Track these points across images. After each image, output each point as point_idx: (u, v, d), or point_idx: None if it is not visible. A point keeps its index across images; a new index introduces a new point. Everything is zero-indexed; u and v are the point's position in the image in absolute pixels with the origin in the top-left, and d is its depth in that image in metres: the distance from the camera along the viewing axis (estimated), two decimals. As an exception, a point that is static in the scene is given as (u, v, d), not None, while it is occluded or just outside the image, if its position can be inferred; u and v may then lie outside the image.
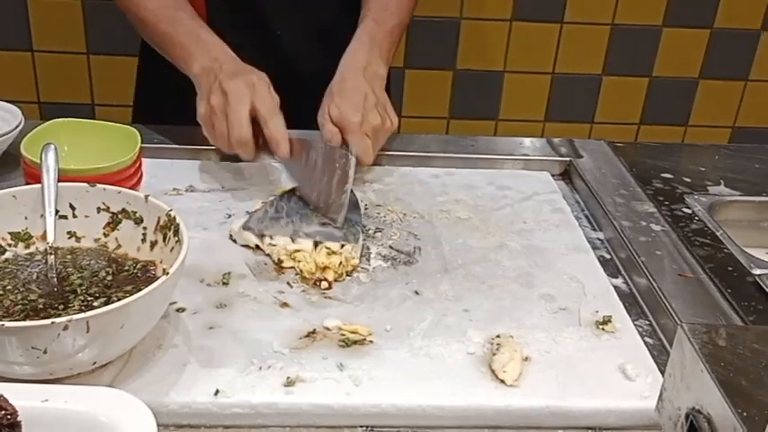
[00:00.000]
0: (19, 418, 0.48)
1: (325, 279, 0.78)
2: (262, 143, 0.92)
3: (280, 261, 0.80)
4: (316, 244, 0.82)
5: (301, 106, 0.95)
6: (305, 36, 1.12)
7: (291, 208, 0.87)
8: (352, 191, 0.90)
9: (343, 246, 0.82)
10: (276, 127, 0.90)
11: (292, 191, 0.91)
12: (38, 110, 1.97)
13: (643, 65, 2.04)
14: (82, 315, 0.56)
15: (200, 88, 0.94)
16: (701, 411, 0.51)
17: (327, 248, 0.80)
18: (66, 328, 0.56)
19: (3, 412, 0.47)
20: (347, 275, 0.80)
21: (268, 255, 0.82)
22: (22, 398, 0.49)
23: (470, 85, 2.01)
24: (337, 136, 0.94)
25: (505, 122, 2.07)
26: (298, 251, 0.80)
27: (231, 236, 0.85)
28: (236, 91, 0.90)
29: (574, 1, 1.95)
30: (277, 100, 0.92)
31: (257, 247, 0.83)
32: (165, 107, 1.19)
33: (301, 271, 0.79)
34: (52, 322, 0.56)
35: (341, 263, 0.79)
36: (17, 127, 0.95)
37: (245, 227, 0.84)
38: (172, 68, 1.02)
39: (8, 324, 0.56)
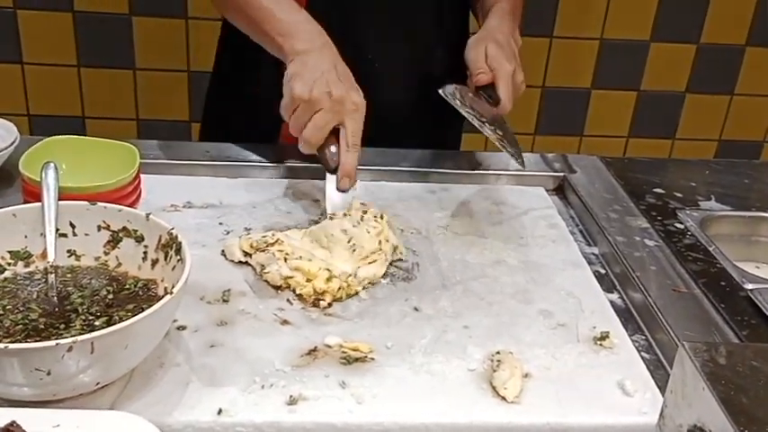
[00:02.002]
0: (29, 443, 0.48)
1: (324, 299, 0.78)
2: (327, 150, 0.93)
3: (277, 287, 0.80)
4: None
5: (380, 132, 0.96)
6: (397, 65, 1.13)
7: (474, 103, 0.99)
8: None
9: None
10: (351, 162, 0.91)
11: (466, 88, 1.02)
12: (27, 123, 1.96)
13: (631, 79, 2.07)
14: (86, 336, 0.56)
15: (303, 66, 0.91)
16: (703, 429, 0.51)
17: (328, 270, 0.80)
18: (70, 349, 0.56)
19: (16, 438, 0.47)
20: (347, 297, 0.80)
21: (265, 280, 0.81)
22: (34, 423, 0.49)
23: (461, 98, 2.03)
24: (488, 76, 1.00)
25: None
26: (291, 277, 0.79)
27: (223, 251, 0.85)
28: (338, 104, 0.89)
29: (563, 16, 1.98)
30: (361, 132, 0.92)
31: (248, 263, 0.83)
32: (233, 123, 1.20)
33: (300, 295, 0.79)
34: (56, 344, 0.55)
35: (340, 287, 0.79)
36: (13, 144, 0.95)
37: (441, 92, 0.99)
38: (243, 84, 1.03)
39: (12, 346, 0.55)
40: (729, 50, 2.07)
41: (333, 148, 0.92)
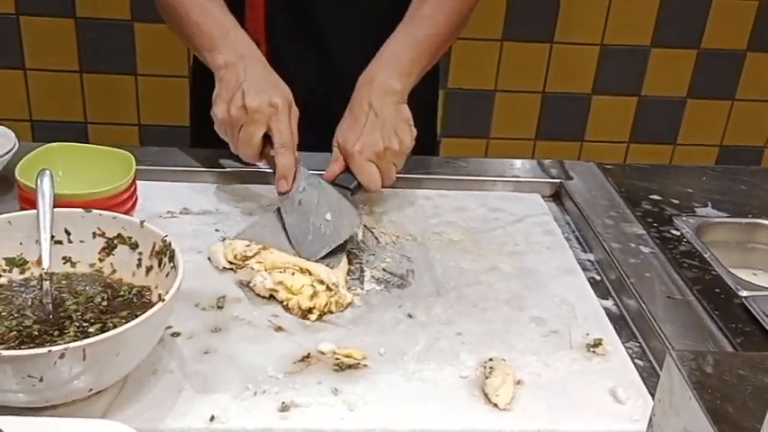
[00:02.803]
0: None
1: (311, 314, 0.78)
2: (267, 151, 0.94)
3: (266, 297, 0.80)
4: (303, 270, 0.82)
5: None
6: (362, 58, 1.09)
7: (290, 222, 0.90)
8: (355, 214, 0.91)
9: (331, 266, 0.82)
10: (284, 163, 0.91)
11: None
12: (30, 128, 1.98)
13: (632, 84, 2.07)
14: (78, 343, 0.57)
15: (221, 83, 0.94)
16: (690, 437, 0.52)
17: (313, 286, 0.79)
18: (62, 356, 0.56)
19: (3, 446, 0.48)
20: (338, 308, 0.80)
21: (251, 287, 0.81)
22: (21, 431, 0.50)
23: (462, 104, 2.03)
24: (336, 165, 0.95)
25: (496, 141, 2.10)
26: (276, 291, 0.79)
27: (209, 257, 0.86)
28: (257, 113, 0.90)
29: (564, 21, 1.98)
30: (294, 129, 0.93)
31: (233, 270, 0.84)
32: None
33: (288, 307, 0.79)
34: (49, 350, 0.56)
35: (326, 303, 0.78)
36: (11, 150, 0.95)
37: (240, 236, 0.87)
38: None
39: (4, 353, 0.56)
40: (730, 56, 2.07)
41: (271, 152, 0.93)
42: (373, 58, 1.00)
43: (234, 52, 0.95)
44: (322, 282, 0.80)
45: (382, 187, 0.95)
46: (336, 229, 0.88)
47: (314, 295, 0.78)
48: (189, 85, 1.93)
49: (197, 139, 1.26)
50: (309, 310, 0.77)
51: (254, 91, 0.91)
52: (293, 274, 0.81)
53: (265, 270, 0.81)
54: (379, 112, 0.94)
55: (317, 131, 1.01)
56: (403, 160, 0.96)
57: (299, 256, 0.85)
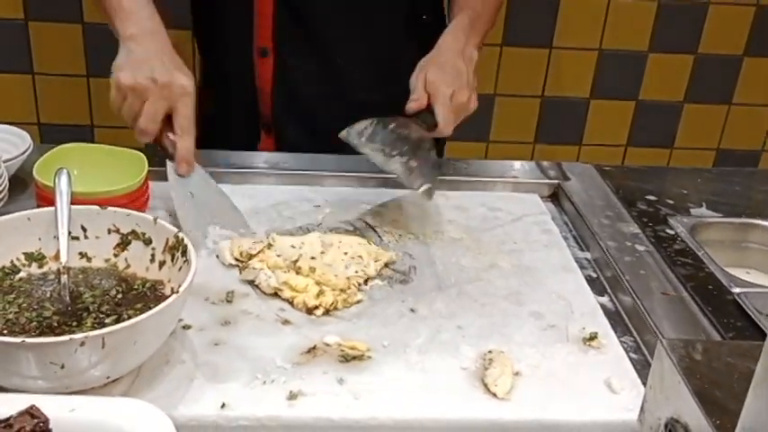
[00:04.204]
0: (50, 426, 0.51)
1: (317, 311, 0.80)
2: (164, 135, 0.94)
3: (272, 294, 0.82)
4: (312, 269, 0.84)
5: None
6: (364, 65, 1.15)
7: (384, 136, 0.94)
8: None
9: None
10: (187, 147, 0.92)
11: (383, 121, 0.96)
12: (38, 131, 2.00)
13: (629, 89, 2.10)
14: (98, 332, 0.60)
15: (126, 52, 0.94)
16: (679, 421, 0.54)
17: (318, 284, 0.81)
18: (83, 344, 0.59)
19: (36, 420, 0.51)
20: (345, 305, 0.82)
21: (256, 285, 0.83)
22: (52, 408, 0.53)
23: (462, 108, 2.06)
24: (424, 100, 0.97)
25: (496, 144, 2.12)
26: (281, 289, 0.81)
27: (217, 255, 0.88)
28: (166, 89, 0.90)
29: (562, 27, 2.01)
30: (193, 115, 0.93)
31: (239, 267, 0.86)
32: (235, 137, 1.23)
33: (293, 304, 0.81)
34: (70, 338, 0.59)
35: (333, 302, 0.80)
36: (26, 151, 0.98)
37: (347, 132, 0.93)
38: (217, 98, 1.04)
39: (28, 340, 0.59)
40: (727, 60, 2.10)
41: (171, 135, 0.93)
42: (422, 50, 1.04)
43: (142, 26, 0.96)
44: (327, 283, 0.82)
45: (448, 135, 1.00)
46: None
47: (320, 293, 0.81)
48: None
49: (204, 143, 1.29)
50: (315, 307, 0.80)
51: (163, 68, 0.91)
52: (298, 273, 0.83)
53: (268, 268, 0.83)
54: (463, 71, 1.00)
55: (321, 137, 1.03)
56: (465, 116, 1.02)
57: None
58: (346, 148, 0.96)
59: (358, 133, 0.93)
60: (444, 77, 0.99)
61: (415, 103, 0.98)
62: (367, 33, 1.13)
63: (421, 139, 0.98)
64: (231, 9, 1.12)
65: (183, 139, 0.92)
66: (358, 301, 0.83)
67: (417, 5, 1.17)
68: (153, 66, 0.91)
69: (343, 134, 0.94)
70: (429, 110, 0.98)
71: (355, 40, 1.14)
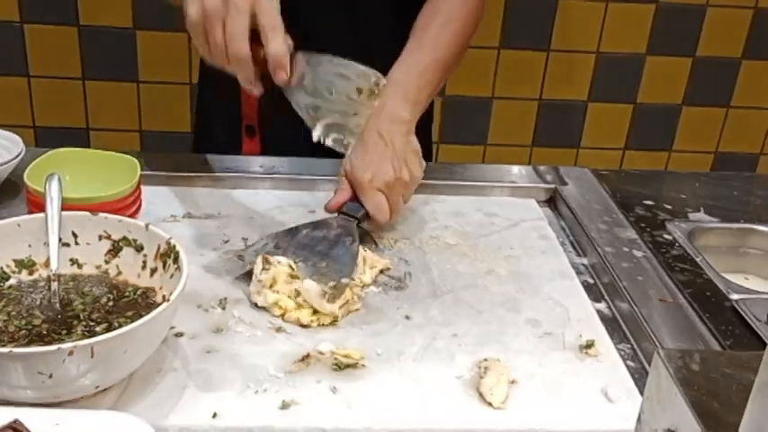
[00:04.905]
0: (31, 442, 0.51)
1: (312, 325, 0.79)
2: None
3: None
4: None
5: None
6: (353, 59, 1.13)
7: (290, 246, 0.86)
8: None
9: (334, 285, 0.80)
10: (278, 46, 0.80)
11: (294, 229, 0.90)
12: (33, 134, 2.00)
13: (627, 92, 2.10)
14: (87, 341, 0.59)
15: None
16: (676, 432, 0.54)
17: (312, 307, 0.79)
18: (71, 353, 0.58)
19: (18, 435, 0.50)
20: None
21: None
22: (36, 422, 0.52)
23: (459, 111, 2.06)
24: (345, 194, 0.93)
25: (493, 147, 2.12)
26: (271, 307, 0.80)
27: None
28: (239, 1, 0.79)
29: (560, 29, 2.01)
30: (277, 8, 0.83)
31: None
32: (220, 137, 1.21)
33: (285, 318, 0.80)
34: (58, 348, 0.58)
35: (324, 316, 0.79)
36: (18, 155, 0.98)
37: (239, 256, 0.86)
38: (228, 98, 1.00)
39: (15, 350, 0.58)
40: (726, 63, 2.10)
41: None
42: None
43: None
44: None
45: (389, 220, 0.94)
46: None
47: (315, 313, 0.79)
48: (191, 94, 1.97)
49: (199, 146, 1.28)
50: (308, 323, 0.79)
51: None
52: (290, 296, 0.80)
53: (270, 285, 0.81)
54: (389, 142, 0.92)
55: (308, 140, 1.02)
56: (411, 192, 0.96)
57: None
58: (337, 153, 0.95)
59: (254, 252, 0.85)
60: (359, 161, 0.91)
61: (332, 202, 0.93)
62: (363, 45, 1.11)
63: (341, 234, 0.89)
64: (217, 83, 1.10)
65: (273, 43, 0.80)
66: (356, 309, 0.82)
67: (411, 6, 1.15)
68: None
69: (240, 254, 0.87)
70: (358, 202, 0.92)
71: (345, 40, 1.11)
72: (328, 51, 1.02)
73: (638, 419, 0.59)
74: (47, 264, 0.76)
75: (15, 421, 0.51)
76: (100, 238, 0.77)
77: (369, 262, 0.87)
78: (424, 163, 0.97)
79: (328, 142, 0.80)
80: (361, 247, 0.88)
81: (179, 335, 0.75)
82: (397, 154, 0.93)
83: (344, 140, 0.80)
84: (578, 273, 0.94)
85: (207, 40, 0.81)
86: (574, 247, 1.01)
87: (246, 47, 0.80)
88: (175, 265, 0.72)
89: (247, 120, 1.17)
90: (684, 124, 2.16)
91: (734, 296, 0.87)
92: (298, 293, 0.80)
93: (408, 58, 1.00)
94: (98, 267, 0.77)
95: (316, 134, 0.82)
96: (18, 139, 1.00)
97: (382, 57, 1.12)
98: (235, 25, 0.79)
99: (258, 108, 1.13)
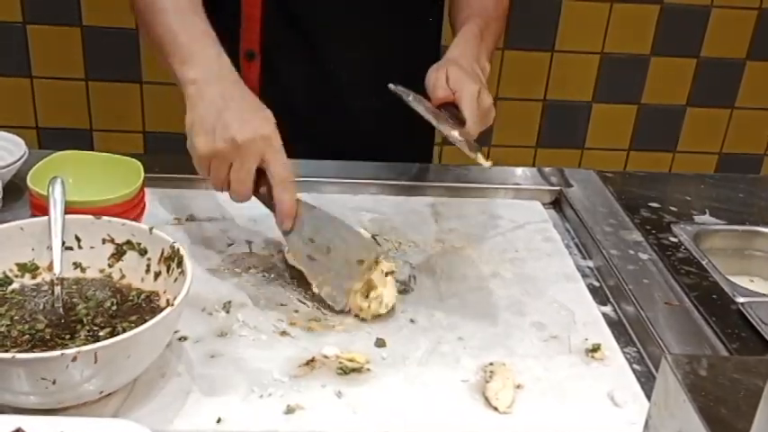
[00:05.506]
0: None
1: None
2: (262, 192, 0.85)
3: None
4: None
5: (347, 139, 0.93)
6: (357, 72, 1.11)
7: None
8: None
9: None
10: (288, 199, 0.82)
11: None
12: (36, 135, 2.00)
13: (632, 92, 2.09)
14: (90, 346, 0.59)
15: (191, 105, 0.83)
16: (685, 439, 0.53)
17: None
18: (74, 359, 0.58)
19: (22, 444, 0.49)
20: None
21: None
22: (39, 429, 0.51)
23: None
24: (448, 92, 0.89)
25: (497, 148, 2.11)
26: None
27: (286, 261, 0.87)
28: (249, 147, 0.79)
29: (565, 30, 2.00)
30: (287, 162, 0.83)
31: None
32: None
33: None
34: (62, 354, 0.58)
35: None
36: (21, 158, 0.97)
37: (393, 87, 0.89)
38: None
39: (19, 356, 0.58)
40: (730, 64, 2.09)
41: (265, 189, 0.84)
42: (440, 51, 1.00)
43: (209, 68, 0.85)
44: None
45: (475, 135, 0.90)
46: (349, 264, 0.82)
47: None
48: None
49: None
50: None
51: (238, 121, 0.80)
52: None
53: None
54: (482, 76, 0.95)
55: (310, 143, 1.01)
56: (486, 125, 0.95)
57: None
58: (338, 156, 0.94)
59: (404, 92, 0.89)
60: (468, 76, 0.91)
61: (443, 91, 0.89)
62: (358, 38, 1.10)
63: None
64: (218, 10, 1.10)
65: (281, 192, 0.82)
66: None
67: (418, 7, 1.14)
68: (227, 121, 0.80)
69: (391, 86, 0.90)
70: (453, 107, 0.90)
71: (347, 45, 1.11)
72: (339, 64, 1.02)
73: (646, 425, 0.59)
74: (50, 267, 0.75)
75: (18, 430, 0.51)
76: (103, 241, 0.77)
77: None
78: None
79: (322, 294, 0.82)
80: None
81: (183, 339, 0.75)
82: (485, 86, 0.94)
83: (337, 298, 0.82)
84: (584, 275, 0.94)
85: (209, 173, 0.82)
86: (579, 250, 1.00)
87: (250, 191, 0.82)
88: (179, 269, 0.72)
89: (247, 44, 1.11)
90: (688, 125, 2.15)
91: (740, 299, 0.87)
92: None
93: (483, 19, 1.03)
94: (101, 271, 0.77)
95: (314, 285, 0.84)
96: (21, 141, 1.00)
97: (385, 58, 1.12)
98: (243, 171, 0.81)
99: (261, 33, 1.08)
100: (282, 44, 1.11)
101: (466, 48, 0.98)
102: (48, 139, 1.99)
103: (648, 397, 0.72)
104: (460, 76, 0.91)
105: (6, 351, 0.64)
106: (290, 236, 0.84)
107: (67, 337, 0.68)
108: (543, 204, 1.10)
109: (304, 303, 0.82)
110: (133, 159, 0.93)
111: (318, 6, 1.10)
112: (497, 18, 1.07)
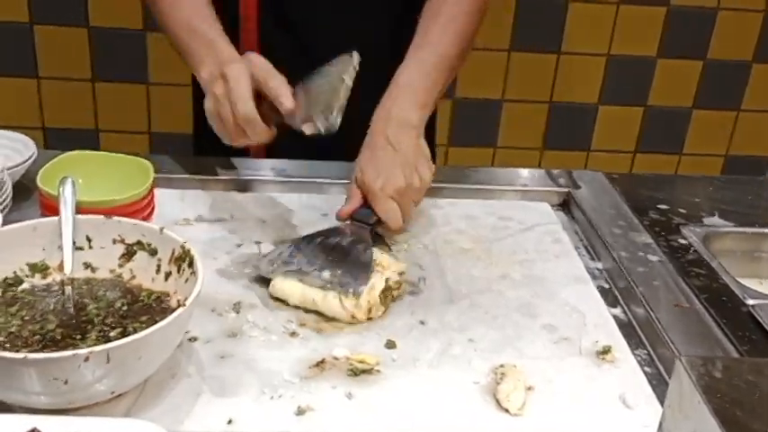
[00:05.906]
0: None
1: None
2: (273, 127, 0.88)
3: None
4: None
5: (349, 140, 0.94)
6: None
7: (304, 255, 0.85)
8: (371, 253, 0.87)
9: (352, 293, 0.80)
10: (278, 84, 0.85)
11: (308, 237, 0.89)
12: (42, 136, 2.00)
13: (638, 95, 2.09)
14: (103, 346, 0.58)
15: (208, 91, 0.91)
16: (699, 441, 0.53)
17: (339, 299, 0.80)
18: (87, 359, 0.58)
19: (38, 444, 0.49)
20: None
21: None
22: (54, 429, 0.51)
23: (469, 113, 2.05)
24: (355, 201, 0.92)
25: (503, 150, 2.11)
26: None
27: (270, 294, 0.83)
28: (234, 70, 0.86)
29: (571, 32, 2.00)
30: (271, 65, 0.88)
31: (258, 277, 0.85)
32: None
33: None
34: (74, 354, 0.57)
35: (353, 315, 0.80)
36: (30, 158, 0.97)
37: (255, 266, 0.86)
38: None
39: (31, 356, 0.57)
40: (736, 66, 2.09)
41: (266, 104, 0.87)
42: (385, 88, 0.98)
43: (215, 62, 0.91)
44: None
45: (401, 226, 0.93)
46: None
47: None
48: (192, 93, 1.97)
49: (200, 147, 1.28)
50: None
51: (227, 64, 0.88)
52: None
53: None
54: (398, 147, 0.92)
55: (311, 144, 1.01)
56: (422, 197, 0.95)
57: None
58: (340, 157, 0.94)
59: (269, 261, 0.85)
60: (370, 168, 0.91)
61: (344, 209, 0.92)
62: (357, 43, 1.10)
63: (355, 241, 0.88)
64: (217, 13, 1.10)
65: (269, 82, 0.85)
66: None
67: (414, 11, 1.14)
68: (219, 72, 0.88)
69: (255, 266, 0.87)
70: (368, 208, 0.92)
71: (344, 47, 1.11)
72: (328, 57, 1.03)
73: (660, 427, 0.58)
74: (60, 267, 0.75)
75: (34, 430, 0.51)
76: (114, 241, 0.77)
77: (386, 265, 0.86)
78: (433, 166, 0.96)
79: (318, 124, 0.83)
80: (376, 250, 0.88)
81: (193, 339, 0.75)
82: (408, 160, 0.92)
83: (330, 118, 0.82)
84: (593, 277, 0.93)
85: (222, 121, 0.87)
86: (588, 252, 1.00)
87: (251, 106, 0.85)
88: (190, 270, 0.72)
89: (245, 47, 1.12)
90: (695, 127, 2.15)
91: (750, 301, 0.86)
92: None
93: (413, 60, 0.99)
94: (112, 271, 0.77)
95: (307, 130, 0.84)
96: (30, 141, 1.00)
97: (382, 60, 1.12)
98: (236, 92, 0.85)
99: (258, 37, 1.10)
100: (280, 48, 1.11)
101: (383, 108, 0.96)
102: (54, 140, 1.99)
103: (660, 399, 0.72)
104: (363, 172, 0.92)
105: (17, 351, 0.64)
106: (295, 120, 0.86)
107: (78, 337, 0.67)
108: (552, 206, 1.10)
109: (314, 304, 0.82)
110: (143, 159, 0.93)
111: (312, 10, 1.10)
112: (469, 12, 1.03)
